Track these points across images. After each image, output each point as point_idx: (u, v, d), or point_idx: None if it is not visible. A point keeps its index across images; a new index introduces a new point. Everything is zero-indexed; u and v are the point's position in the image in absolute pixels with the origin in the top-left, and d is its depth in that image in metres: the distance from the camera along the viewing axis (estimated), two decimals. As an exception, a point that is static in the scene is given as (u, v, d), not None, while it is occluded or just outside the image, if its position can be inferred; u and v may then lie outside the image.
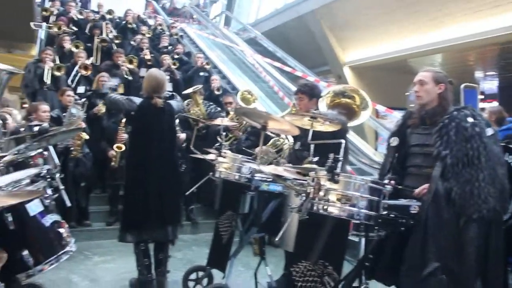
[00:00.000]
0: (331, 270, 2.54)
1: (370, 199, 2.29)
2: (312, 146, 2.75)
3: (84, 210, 6.00)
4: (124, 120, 5.99)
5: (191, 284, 4.03)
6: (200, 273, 4.03)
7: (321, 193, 2.25)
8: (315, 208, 2.30)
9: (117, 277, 4.57)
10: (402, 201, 2.63)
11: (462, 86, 7.51)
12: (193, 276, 4.05)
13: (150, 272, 4.17)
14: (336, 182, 2.22)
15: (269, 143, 5.48)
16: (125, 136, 6.00)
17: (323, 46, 14.09)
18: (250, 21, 18.26)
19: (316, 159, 2.68)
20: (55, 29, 9.26)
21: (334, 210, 2.26)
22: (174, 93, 4.55)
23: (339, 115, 3.56)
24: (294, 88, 10.35)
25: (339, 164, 2.21)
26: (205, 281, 4.01)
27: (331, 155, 2.19)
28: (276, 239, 2.50)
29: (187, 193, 4.31)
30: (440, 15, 10.46)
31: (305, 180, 2.51)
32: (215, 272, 3.97)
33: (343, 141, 2.32)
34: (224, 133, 5.63)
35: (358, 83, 13.48)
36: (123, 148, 5.99)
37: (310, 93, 3.97)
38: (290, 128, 2.65)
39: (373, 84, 13.09)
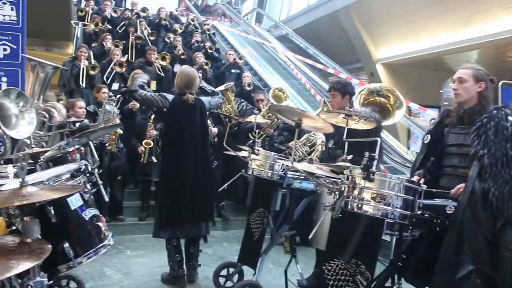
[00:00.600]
0: (364, 269, 2.51)
1: (405, 198, 2.25)
2: (346, 144, 2.72)
3: (119, 204, 6.12)
4: (153, 116, 6.08)
5: (221, 280, 4.05)
6: (231, 270, 4.04)
7: (356, 192, 2.23)
8: (349, 206, 2.27)
9: (149, 271, 4.63)
10: (438, 201, 2.58)
11: (500, 83, 7.31)
12: (224, 272, 4.07)
13: (182, 267, 4.23)
14: (371, 180, 2.19)
15: (302, 138, 5.46)
16: (154, 132, 6.08)
17: (355, 43, 13.93)
18: (281, 18, 18.23)
19: (350, 157, 2.65)
20: (92, 26, 9.45)
21: (369, 208, 2.23)
22: (215, 90, 4.58)
23: (373, 113, 3.51)
24: (326, 86, 10.40)
25: (375, 163, 2.18)
26: (235, 277, 4.02)
27: (367, 154, 2.16)
28: (309, 237, 2.48)
29: (219, 190, 4.31)
30: (474, 11, 10.21)
31: (339, 178, 2.48)
32: (246, 269, 3.98)
33: (378, 139, 2.29)
34: (257, 130, 5.67)
35: (390, 80, 13.29)
36: (152, 144, 6.07)
37: (343, 90, 3.94)
38: (324, 126, 2.63)
39: (406, 81, 12.88)
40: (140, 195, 6.55)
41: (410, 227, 2.47)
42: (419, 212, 2.36)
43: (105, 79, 7.66)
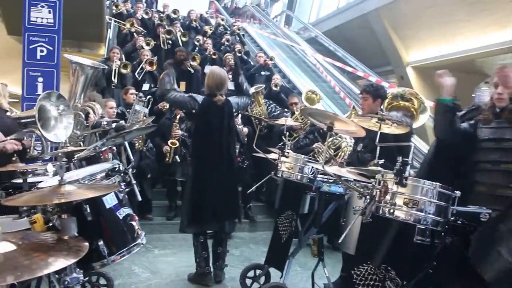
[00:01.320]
0: (394, 275, 2.48)
1: (439, 204, 2.21)
2: (378, 149, 2.70)
3: (148, 203, 6.20)
4: (178, 116, 6.14)
5: (248, 281, 4.06)
6: (258, 271, 4.05)
7: (388, 197, 2.20)
8: (380, 211, 2.25)
9: (176, 270, 4.69)
10: (472, 208, 2.52)
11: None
12: (250, 273, 4.08)
13: (208, 264, 4.27)
14: (404, 186, 2.17)
15: (327, 140, 5.43)
16: (179, 132, 6.15)
17: (385, 46, 13.77)
18: (311, 21, 18.18)
19: (381, 161, 2.63)
20: (128, 25, 9.63)
21: (401, 214, 2.20)
22: (248, 90, 4.59)
23: (405, 117, 3.47)
24: (355, 89, 10.31)
25: (408, 168, 2.15)
26: (262, 279, 4.02)
27: (400, 159, 2.13)
28: (339, 241, 2.46)
29: (248, 192, 4.33)
30: (510, 13, 9.93)
31: (370, 183, 2.46)
32: (273, 271, 3.98)
33: (412, 144, 2.26)
34: (288, 133, 5.67)
35: (421, 83, 13.07)
36: (177, 144, 6.13)
37: (375, 93, 3.91)
38: (356, 130, 2.61)
39: (437, 85, 12.63)
40: (167, 195, 6.62)
41: (443, 233, 2.42)
42: (452, 219, 2.32)
43: (137, 76, 7.78)
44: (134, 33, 9.47)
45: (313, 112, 2.79)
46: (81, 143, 4.74)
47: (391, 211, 2.22)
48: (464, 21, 10.96)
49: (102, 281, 3.77)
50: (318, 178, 3.51)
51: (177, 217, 6.29)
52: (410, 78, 13.41)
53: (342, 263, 4.27)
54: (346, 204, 3.36)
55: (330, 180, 3.52)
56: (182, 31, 10.18)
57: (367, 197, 2.38)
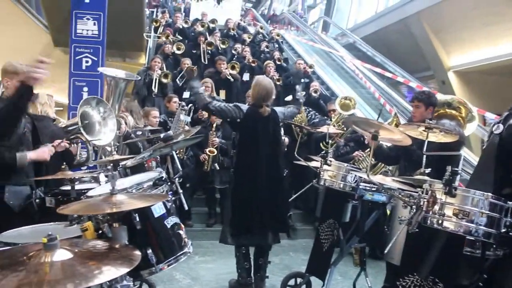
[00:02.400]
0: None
1: (491, 215, 2.14)
2: (424, 157, 2.64)
3: (188, 210, 6.24)
4: (214, 125, 6.19)
5: (289, 290, 4.05)
6: (299, 280, 4.02)
7: (436, 207, 2.14)
8: (428, 222, 2.19)
9: (217, 277, 4.71)
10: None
11: None
12: (291, 282, 4.05)
13: (250, 275, 4.26)
14: (454, 196, 2.11)
15: (368, 150, 5.37)
16: (217, 140, 6.19)
17: (426, 50, 13.49)
18: (349, 26, 18.04)
19: (428, 170, 2.57)
20: (163, 38, 9.85)
21: (450, 225, 2.13)
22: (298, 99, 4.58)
23: (458, 127, 3.38)
24: (394, 95, 10.13)
25: (457, 178, 2.09)
26: (303, 287, 4.00)
27: (449, 168, 2.08)
28: (385, 251, 2.42)
29: (290, 200, 4.31)
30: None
31: (416, 192, 2.41)
32: (313, 280, 3.95)
33: (461, 153, 2.20)
34: (329, 141, 5.63)
35: (463, 88, 12.73)
36: (215, 152, 6.17)
37: (427, 101, 3.81)
38: (402, 138, 2.56)
39: (481, 89, 12.27)
40: (206, 202, 6.69)
41: (494, 245, 2.34)
42: (503, 230, 2.23)
43: (178, 82, 7.90)
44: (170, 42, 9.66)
45: (357, 120, 2.76)
46: (115, 152, 4.85)
47: (440, 221, 2.16)
48: (510, 22, 10.59)
49: (145, 287, 3.85)
50: (361, 187, 3.46)
51: (217, 224, 6.37)
52: (452, 83, 13.07)
53: (386, 273, 4.19)
54: (390, 214, 3.31)
55: (373, 189, 3.47)
56: (221, 39, 10.28)
57: (413, 206, 2.33)
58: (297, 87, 4.58)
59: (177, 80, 7.97)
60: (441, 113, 3.92)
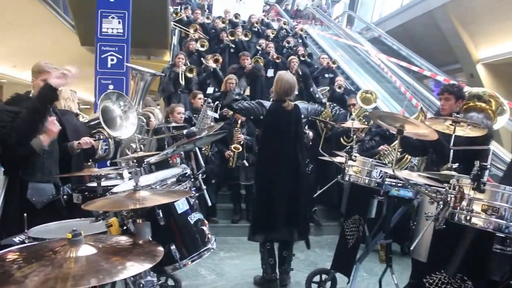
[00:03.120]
0: (471, 286, 2.35)
1: (521, 211, 2.07)
2: (451, 152, 2.58)
3: (213, 206, 6.26)
4: (239, 121, 6.18)
5: (314, 286, 4.01)
6: (324, 276, 4.00)
7: (464, 203, 2.09)
8: (456, 218, 2.14)
9: (242, 273, 4.73)
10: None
11: None
12: (316, 278, 4.03)
13: (275, 271, 4.27)
14: (482, 191, 2.05)
15: (393, 144, 5.29)
16: (242, 136, 6.19)
17: (453, 43, 13.22)
18: (373, 20, 17.82)
19: (455, 165, 2.51)
20: (192, 31, 9.89)
21: (479, 221, 2.08)
22: (321, 98, 4.54)
23: (486, 119, 3.29)
24: (421, 89, 9.95)
25: (486, 173, 2.04)
26: (328, 284, 3.97)
27: (477, 163, 2.02)
28: (411, 248, 2.37)
29: (314, 196, 4.28)
30: None
31: (443, 187, 2.36)
32: (338, 276, 3.91)
33: (491, 147, 2.14)
34: (345, 136, 5.57)
35: (492, 81, 12.45)
36: (240, 148, 6.18)
37: (459, 94, 3.73)
38: (428, 132, 2.50)
39: (510, 82, 11.96)
40: (231, 198, 6.70)
41: (526, 242, 2.28)
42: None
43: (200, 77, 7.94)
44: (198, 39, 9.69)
45: (382, 114, 2.71)
46: (142, 146, 4.90)
47: (468, 218, 2.10)
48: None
49: (170, 282, 3.89)
50: (386, 182, 3.40)
51: (242, 220, 6.39)
52: (481, 76, 12.79)
53: (412, 270, 4.13)
54: (417, 210, 3.25)
55: (399, 184, 3.41)
56: (244, 31, 10.27)
57: (440, 202, 2.28)
58: (311, 89, 4.51)
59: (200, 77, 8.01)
60: (469, 106, 3.83)
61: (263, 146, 4.33)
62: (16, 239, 2.17)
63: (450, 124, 2.55)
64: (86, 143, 3.44)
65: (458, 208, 2.13)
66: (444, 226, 2.24)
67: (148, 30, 9.31)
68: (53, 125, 3.09)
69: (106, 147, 4.26)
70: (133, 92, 5.21)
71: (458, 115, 2.62)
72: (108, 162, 4.51)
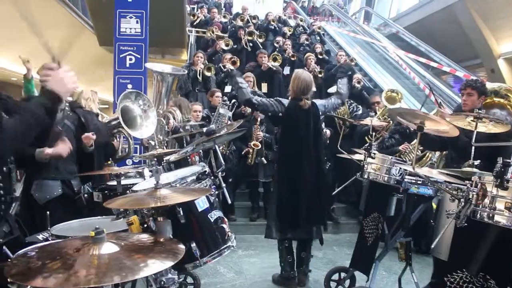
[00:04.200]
0: (494, 284, 2.32)
1: (546, 209, 2.03)
2: (473, 149, 2.54)
3: (231, 205, 6.26)
4: (259, 119, 6.18)
5: (333, 284, 3.99)
6: (343, 274, 3.97)
7: (487, 200, 2.06)
8: (478, 215, 2.11)
9: (260, 271, 4.73)
10: None
11: None
12: (335, 276, 4.01)
13: (293, 269, 4.26)
14: (506, 188, 2.02)
15: (414, 141, 5.23)
16: (261, 134, 6.19)
17: (473, 38, 13.00)
18: (391, 16, 17.64)
19: (477, 162, 2.47)
20: (208, 34, 9.93)
21: (502, 219, 2.05)
22: (340, 92, 4.53)
23: (508, 115, 3.22)
24: (440, 85, 9.80)
25: (510, 170, 2.00)
26: (347, 282, 3.95)
27: (500, 159, 1.99)
28: (432, 246, 2.35)
29: (333, 193, 4.26)
30: None
31: (464, 185, 2.32)
32: (357, 274, 3.89)
33: (513, 144, 2.10)
34: (373, 134, 5.51)
35: (515, 76, 12.21)
36: (260, 146, 6.18)
37: (481, 89, 3.68)
38: (449, 129, 2.47)
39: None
40: (249, 196, 6.71)
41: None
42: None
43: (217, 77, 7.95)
44: (216, 39, 9.73)
45: (402, 111, 2.68)
46: (164, 147, 4.93)
47: (491, 215, 2.07)
48: None
49: (189, 280, 3.91)
50: (406, 180, 3.37)
51: (260, 218, 6.39)
52: (502, 71, 12.55)
53: (433, 268, 4.08)
54: (437, 207, 3.21)
55: (419, 182, 3.38)
56: (258, 33, 10.27)
57: (462, 200, 2.25)
58: (339, 80, 4.49)
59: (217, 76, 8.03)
60: (488, 102, 3.77)
61: (283, 144, 4.32)
62: (40, 236, 2.20)
63: (472, 120, 2.51)
64: (87, 137, 3.43)
65: (481, 205, 2.10)
66: (466, 224, 2.21)
67: (166, 29, 9.37)
68: (63, 150, 3.12)
69: (126, 146, 4.30)
70: (155, 93, 5.24)
71: (480, 111, 2.58)
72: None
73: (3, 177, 1.99)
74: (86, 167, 3.45)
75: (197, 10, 12.74)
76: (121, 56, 6.11)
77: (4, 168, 2.02)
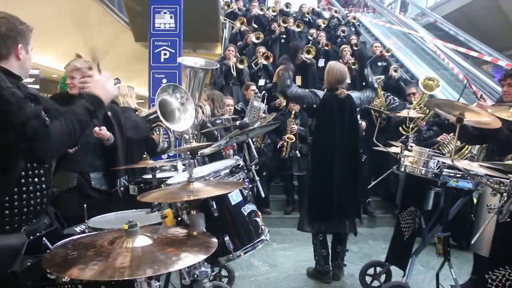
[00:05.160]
0: (538, 282, 2.23)
1: None
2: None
3: (266, 198, 6.27)
4: (293, 112, 6.14)
5: (368, 279, 3.96)
6: (378, 269, 3.92)
7: (531, 195, 1.98)
8: (522, 211, 2.03)
9: (295, 264, 4.73)
10: None
11: None
12: (370, 271, 3.97)
13: (328, 263, 4.24)
14: (551, 182, 1.93)
15: (452, 133, 5.08)
16: (296, 127, 6.15)
17: (517, 24, 12.52)
18: (429, 5, 17.18)
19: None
20: (238, 24, 9.93)
21: (547, 214, 1.97)
22: (373, 82, 4.46)
23: None
24: (481, 75, 9.50)
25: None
26: (383, 277, 3.90)
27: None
28: (472, 241, 2.27)
29: (369, 187, 4.20)
30: None
31: (507, 178, 2.24)
32: (393, 269, 3.83)
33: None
34: (410, 125, 5.40)
35: None
36: (294, 139, 6.14)
37: None
38: (491, 120, 2.37)
39: None
40: (284, 189, 6.71)
41: None
42: None
43: (254, 66, 7.99)
44: (244, 31, 9.71)
45: (440, 103, 2.59)
46: (194, 141, 4.95)
47: (536, 211, 1.99)
48: None
49: (224, 273, 3.94)
50: (444, 173, 3.27)
51: (295, 211, 6.39)
52: (547, 59, 12.03)
53: (473, 265, 3.97)
54: (478, 202, 3.10)
55: (458, 175, 3.27)
56: (297, 21, 10.18)
57: (504, 194, 2.17)
58: (365, 71, 4.40)
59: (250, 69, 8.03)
60: None
61: (317, 136, 4.28)
62: (77, 228, 2.25)
63: (515, 111, 2.41)
64: (99, 132, 3.47)
65: (525, 200, 2.02)
66: (509, 220, 2.13)
67: (199, 24, 9.43)
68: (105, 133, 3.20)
69: (167, 139, 4.35)
70: (187, 87, 5.27)
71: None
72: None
73: (45, 172, 2.04)
74: (111, 162, 3.50)
75: (232, 2, 12.75)
76: (155, 51, 6.18)
77: (46, 164, 2.08)
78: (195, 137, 4.90)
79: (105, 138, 3.40)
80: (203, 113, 5.18)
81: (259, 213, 2.26)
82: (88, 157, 3.41)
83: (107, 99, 2.03)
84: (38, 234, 1.96)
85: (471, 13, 13.87)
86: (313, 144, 4.34)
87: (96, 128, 3.32)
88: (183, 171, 2.74)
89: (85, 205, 2.28)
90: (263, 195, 2.55)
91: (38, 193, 1.99)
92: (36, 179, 1.98)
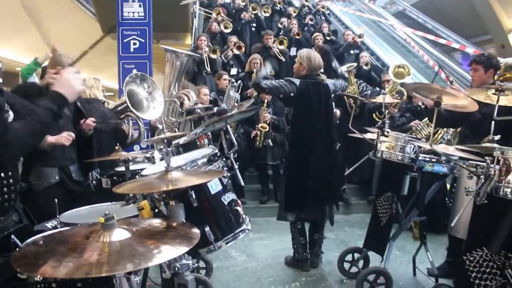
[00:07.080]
0: (515, 262, 2.25)
1: None
2: (492, 123, 2.45)
3: (240, 188, 6.20)
4: (265, 101, 6.10)
5: (346, 265, 3.97)
6: (356, 255, 3.94)
7: (510, 177, 1.98)
8: (501, 192, 2.04)
9: (272, 253, 4.70)
10: None
11: None
12: (348, 257, 3.98)
13: (306, 250, 4.23)
14: (529, 164, 1.94)
15: (425, 119, 5.14)
16: (268, 116, 6.11)
17: (482, 13, 12.77)
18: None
19: (497, 137, 2.38)
20: (214, 14, 9.78)
21: (527, 195, 1.98)
22: (343, 72, 4.45)
23: None
24: (450, 62, 9.64)
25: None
26: (361, 263, 3.92)
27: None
28: (451, 224, 2.28)
29: (345, 174, 4.20)
30: None
31: (483, 161, 2.25)
32: (371, 254, 3.86)
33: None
34: (378, 112, 5.42)
35: (527, 51, 11.98)
36: (267, 128, 6.11)
37: (486, 63, 3.59)
38: (468, 104, 2.38)
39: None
40: (259, 178, 6.67)
41: None
42: None
43: (224, 59, 7.89)
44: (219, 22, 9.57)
45: (417, 86, 2.59)
46: (176, 129, 4.86)
47: (514, 192, 2.00)
48: None
49: (202, 264, 3.89)
50: (420, 158, 3.29)
51: (270, 200, 6.37)
52: (513, 46, 12.35)
53: (448, 247, 4.03)
54: (455, 185, 3.13)
55: (433, 160, 3.30)
56: (263, 7, 10.12)
57: (482, 177, 2.18)
58: (333, 64, 4.40)
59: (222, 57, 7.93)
60: (507, 77, 3.67)
61: (296, 124, 4.22)
62: (49, 224, 2.16)
63: (493, 93, 2.42)
64: (87, 124, 3.37)
65: (504, 181, 2.03)
66: (486, 202, 2.14)
67: (169, 13, 9.23)
68: (67, 140, 3.06)
69: (137, 130, 4.25)
70: (168, 76, 5.17)
71: (502, 84, 2.47)
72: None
73: (11, 166, 1.94)
74: (86, 154, 3.39)
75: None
76: (124, 41, 6.02)
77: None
78: (178, 125, 4.84)
79: (90, 127, 3.31)
80: (189, 99, 5.10)
81: (239, 202, 2.20)
82: (66, 150, 3.29)
83: (72, 96, 1.93)
84: (6, 232, 1.87)
85: (439, 1, 14.08)
86: (291, 132, 4.28)
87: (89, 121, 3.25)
88: (161, 160, 2.66)
89: (56, 200, 2.20)
90: (242, 184, 2.49)
91: (5, 189, 1.89)
92: (2, 174, 1.87)
